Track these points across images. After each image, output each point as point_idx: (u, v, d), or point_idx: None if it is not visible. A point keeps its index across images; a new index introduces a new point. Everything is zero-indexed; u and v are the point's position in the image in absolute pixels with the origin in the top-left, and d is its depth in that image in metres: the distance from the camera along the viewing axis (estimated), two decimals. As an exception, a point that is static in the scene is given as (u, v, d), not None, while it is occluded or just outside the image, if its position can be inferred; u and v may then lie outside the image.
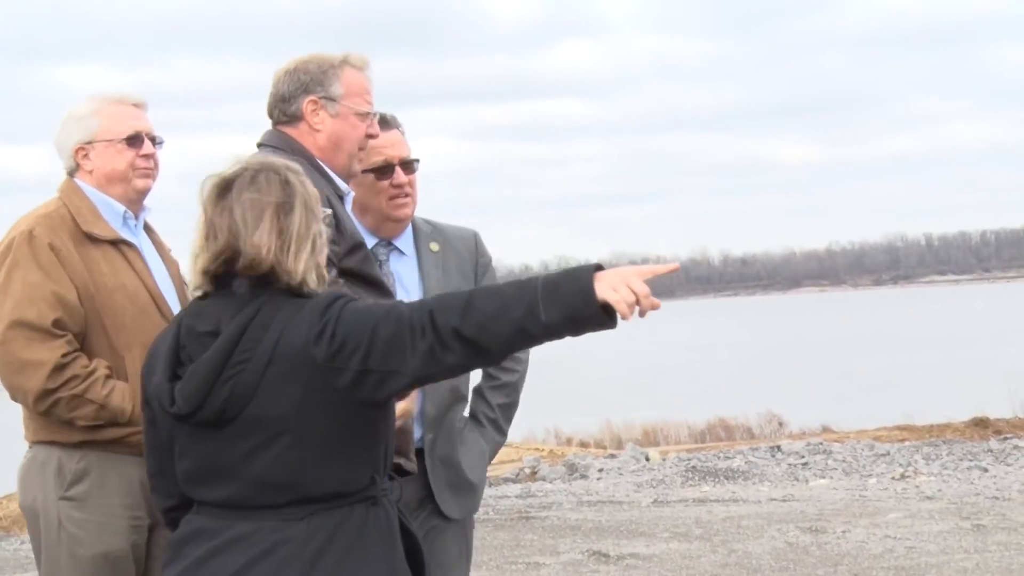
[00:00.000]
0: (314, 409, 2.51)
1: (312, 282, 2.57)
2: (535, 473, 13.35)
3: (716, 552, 7.99)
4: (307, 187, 2.63)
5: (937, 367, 34.38)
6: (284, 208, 2.57)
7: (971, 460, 12.13)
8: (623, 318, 2.46)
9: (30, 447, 3.51)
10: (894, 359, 38.96)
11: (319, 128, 3.27)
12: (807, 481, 11.50)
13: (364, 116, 3.33)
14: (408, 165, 3.59)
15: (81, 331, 3.39)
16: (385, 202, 3.57)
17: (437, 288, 3.55)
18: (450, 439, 3.62)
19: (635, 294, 2.45)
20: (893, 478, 11.39)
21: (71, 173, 3.61)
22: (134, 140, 3.57)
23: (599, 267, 2.49)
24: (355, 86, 3.32)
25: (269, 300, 2.56)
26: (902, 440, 14.23)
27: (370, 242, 3.58)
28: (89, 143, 3.57)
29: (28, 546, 10.10)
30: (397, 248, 3.65)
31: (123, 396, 3.37)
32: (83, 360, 3.36)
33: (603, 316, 2.46)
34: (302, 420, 2.51)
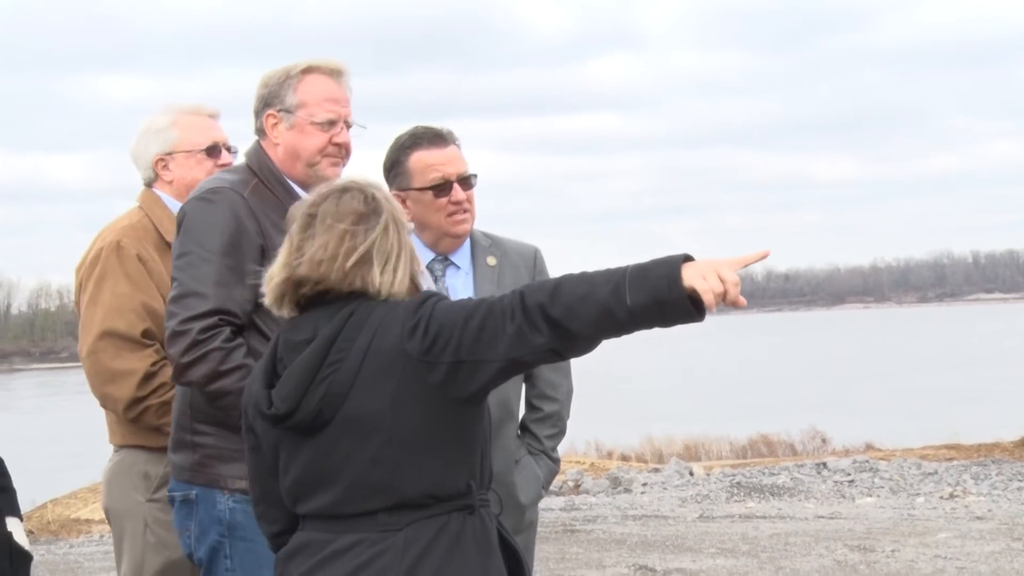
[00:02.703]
0: (408, 405, 2.51)
1: (402, 294, 2.59)
2: (579, 486, 13.32)
3: (763, 569, 7.94)
4: (393, 203, 2.66)
5: (984, 386, 34.01)
6: (365, 224, 2.59)
7: (1021, 480, 11.98)
8: (708, 308, 2.40)
9: (116, 451, 3.61)
10: (940, 377, 38.57)
11: (277, 141, 3.29)
12: (854, 499, 11.41)
13: (325, 125, 3.27)
14: (466, 181, 3.55)
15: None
16: (444, 219, 3.53)
17: (490, 303, 3.54)
18: (503, 456, 3.59)
19: (723, 283, 2.39)
20: (942, 497, 11.27)
21: (149, 184, 3.71)
22: (213, 150, 3.69)
23: (689, 257, 2.45)
24: (316, 95, 3.27)
25: (363, 304, 2.58)
26: (949, 459, 14.09)
27: (427, 257, 3.57)
28: (168, 154, 3.67)
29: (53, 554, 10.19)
30: (453, 263, 3.62)
31: None
32: (169, 368, 3.38)
33: (688, 304, 2.40)
34: (396, 417, 2.51)
